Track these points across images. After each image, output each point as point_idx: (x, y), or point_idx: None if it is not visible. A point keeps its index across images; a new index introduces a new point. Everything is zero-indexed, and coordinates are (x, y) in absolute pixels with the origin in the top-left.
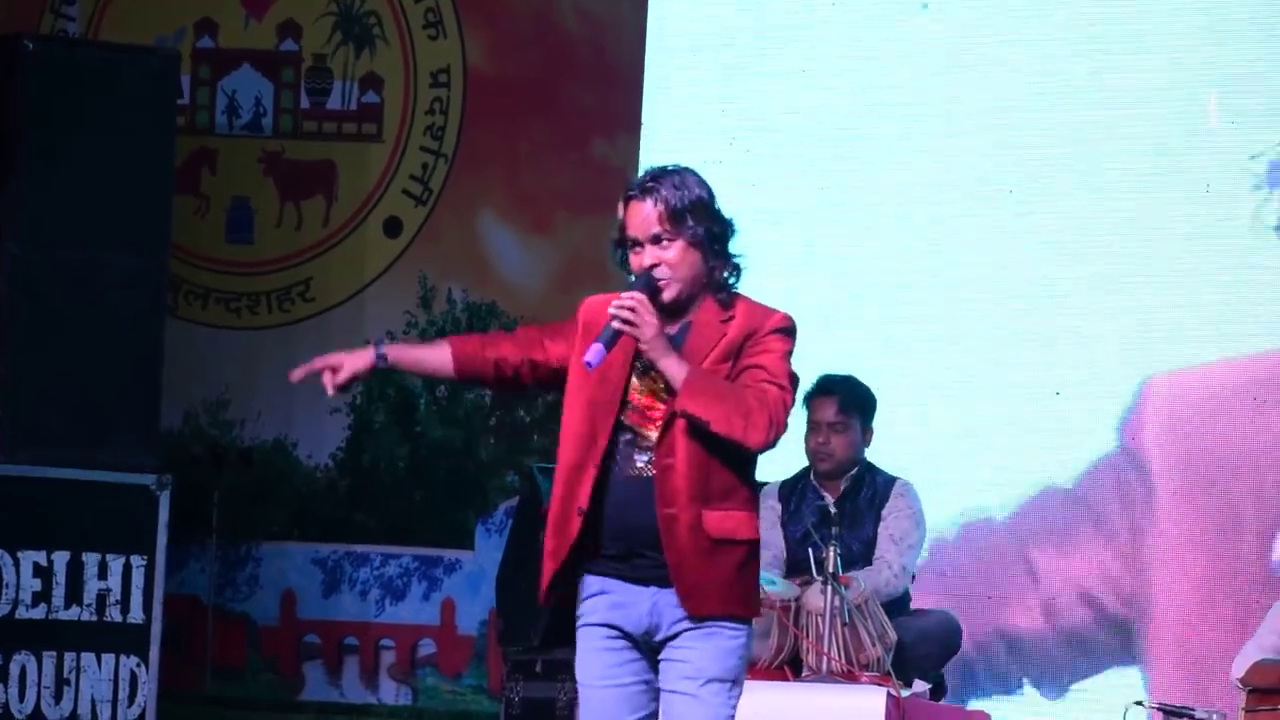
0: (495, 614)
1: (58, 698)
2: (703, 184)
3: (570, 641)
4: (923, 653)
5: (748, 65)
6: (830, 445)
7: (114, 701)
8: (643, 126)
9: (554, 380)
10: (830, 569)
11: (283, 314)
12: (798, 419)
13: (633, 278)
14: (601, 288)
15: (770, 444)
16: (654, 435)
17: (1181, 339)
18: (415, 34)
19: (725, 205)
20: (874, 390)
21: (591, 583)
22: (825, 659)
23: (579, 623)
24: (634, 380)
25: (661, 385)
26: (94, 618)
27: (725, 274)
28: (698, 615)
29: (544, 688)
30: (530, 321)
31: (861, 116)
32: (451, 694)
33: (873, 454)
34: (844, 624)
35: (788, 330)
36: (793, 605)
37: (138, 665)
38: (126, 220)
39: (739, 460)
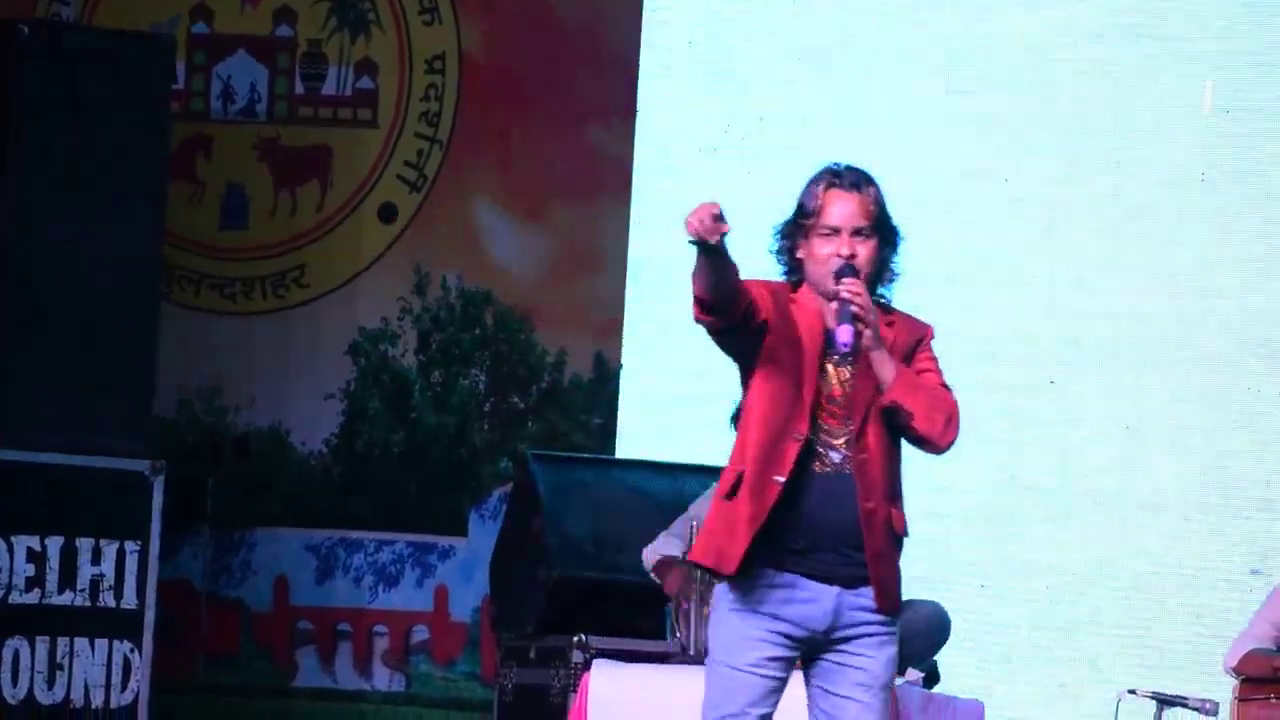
0: (489, 601)
1: (50, 683)
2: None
3: (565, 629)
4: (914, 644)
5: (743, 51)
6: None
7: (107, 687)
8: (638, 114)
9: (752, 335)
10: None
11: (277, 300)
12: None
13: (788, 267)
14: (596, 275)
15: (951, 446)
16: (843, 432)
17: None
18: (410, 20)
19: (721, 191)
20: None
21: (769, 573)
22: None
23: (737, 603)
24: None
25: (848, 380)
26: (87, 603)
27: (889, 280)
28: (888, 611)
29: (538, 674)
30: (525, 310)
31: (859, 103)
32: (445, 681)
33: None
34: None
35: (933, 341)
36: None
37: (131, 651)
38: (121, 206)
39: (901, 461)
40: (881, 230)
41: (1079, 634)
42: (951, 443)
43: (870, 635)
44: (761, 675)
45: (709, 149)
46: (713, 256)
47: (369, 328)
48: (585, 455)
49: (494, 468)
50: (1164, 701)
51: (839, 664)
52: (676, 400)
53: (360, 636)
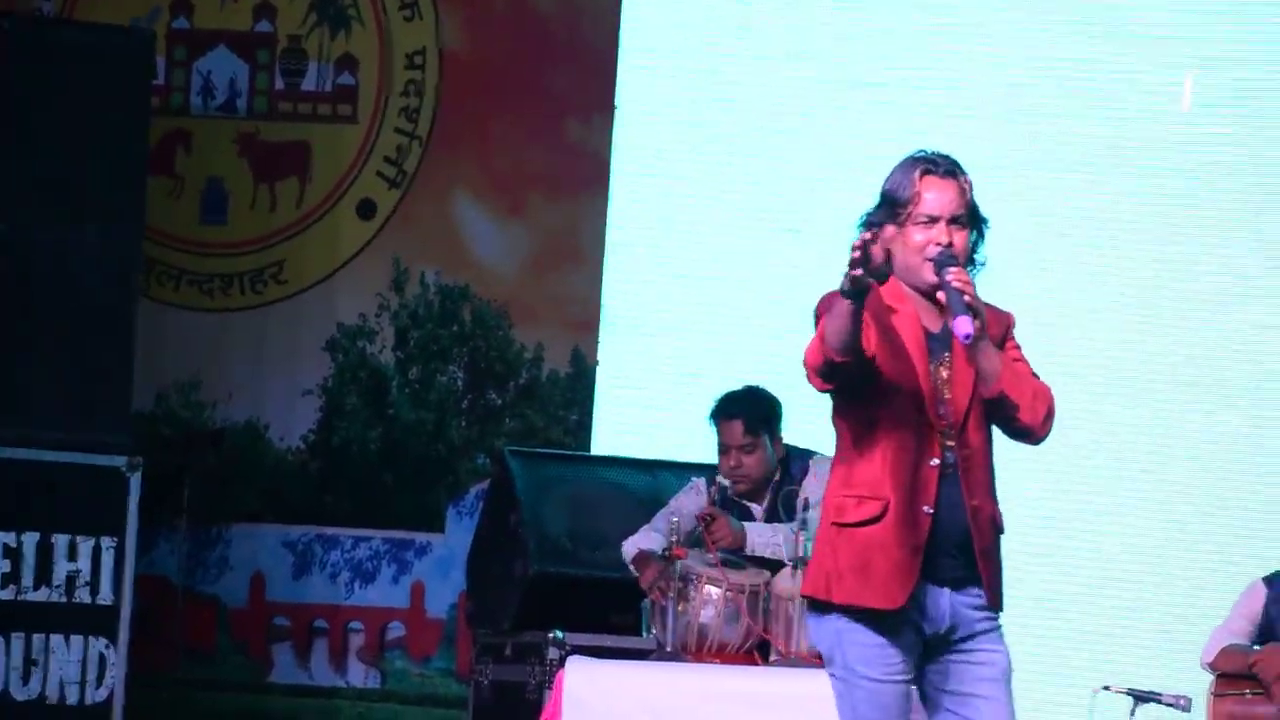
0: (465, 597)
1: (25, 679)
2: None
3: (541, 625)
4: None
5: (722, 47)
6: (743, 467)
7: (82, 683)
8: (617, 109)
9: (865, 373)
10: (799, 554)
11: (255, 296)
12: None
13: (850, 249)
14: (574, 271)
15: (1047, 437)
16: (949, 431)
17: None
18: (390, 16)
19: (699, 187)
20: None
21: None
22: (793, 643)
23: (861, 621)
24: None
25: (945, 375)
26: (63, 599)
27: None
28: (995, 607)
29: (514, 670)
30: (503, 306)
31: (836, 99)
32: (420, 677)
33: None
34: None
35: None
36: (762, 589)
37: (107, 647)
38: (100, 201)
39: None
40: (973, 219)
41: (1052, 631)
42: (1048, 433)
43: (988, 631)
44: (904, 681)
45: (686, 144)
46: (859, 312)
47: (347, 324)
48: (562, 451)
49: (471, 464)
50: (1139, 698)
51: (965, 662)
52: (654, 396)
53: (336, 632)
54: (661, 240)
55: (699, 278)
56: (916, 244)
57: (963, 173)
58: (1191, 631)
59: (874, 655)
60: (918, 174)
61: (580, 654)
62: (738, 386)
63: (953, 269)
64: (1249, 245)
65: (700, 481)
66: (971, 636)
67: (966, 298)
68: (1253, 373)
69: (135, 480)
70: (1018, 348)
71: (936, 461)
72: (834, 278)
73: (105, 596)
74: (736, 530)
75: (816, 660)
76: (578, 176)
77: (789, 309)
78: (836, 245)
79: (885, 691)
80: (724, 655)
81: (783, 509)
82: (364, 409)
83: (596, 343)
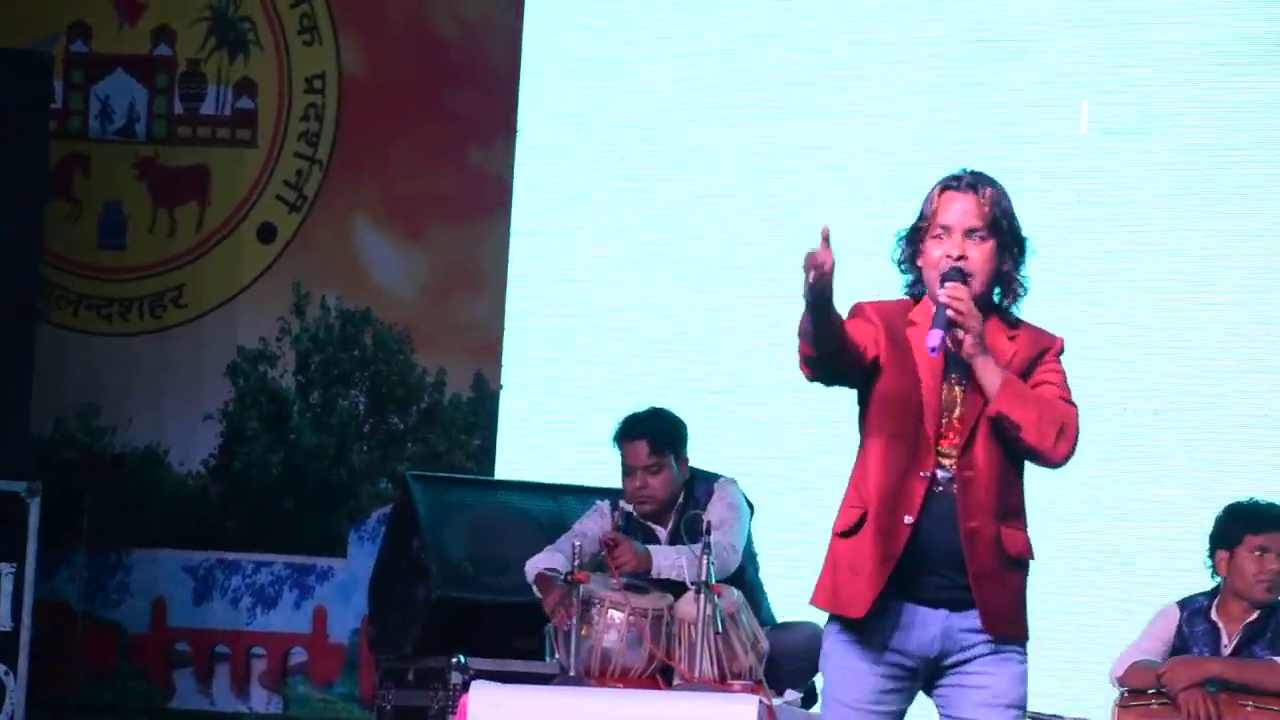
0: (367, 622)
1: None
2: (1011, 200)
3: (444, 650)
4: (790, 666)
5: (624, 70)
6: (648, 488)
7: None
8: (519, 133)
9: (865, 376)
10: (703, 577)
11: (155, 320)
12: None
13: (909, 279)
14: (476, 295)
15: (1067, 460)
16: (951, 450)
17: None
18: (290, 40)
19: (602, 210)
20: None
21: (876, 602)
22: (696, 667)
23: (846, 636)
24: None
25: (961, 394)
26: None
27: (1013, 293)
28: (998, 635)
29: (416, 695)
30: (405, 330)
31: (741, 118)
32: (323, 702)
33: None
34: (716, 632)
35: (1062, 353)
36: (665, 614)
37: (6, 673)
38: None
39: (1022, 478)
40: (1000, 234)
41: None
42: (1066, 455)
43: (987, 655)
44: (874, 711)
45: (591, 167)
46: (821, 309)
47: (248, 348)
48: (465, 476)
49: (373, 489)
50: None
51: (959, 685)
52: (556, 421)
53: (238, 658)
54: (564, 263)
55: (602, 301)
56: (933, 258)
57: (989, 187)
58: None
59: (846, 679)
60: (938, 189)
61: (483, 679)
62: (642, 408)
63: (951, 283)
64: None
65: (604, 505)
66: (968, 661)
67: (950, 312)
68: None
69: (35, 506)
70: (1056, 372)
71: (926, 474)
72: (733, 300)
73: (4, 622)
74: (641, 554)
75: (718, 684)
76: (479, 200)
77: (692, 332)
78: (737, 267)
79: (848, 715)
80: (627, 680)
81: (685, 532)
82: (265, 433)
83: (499, 367)
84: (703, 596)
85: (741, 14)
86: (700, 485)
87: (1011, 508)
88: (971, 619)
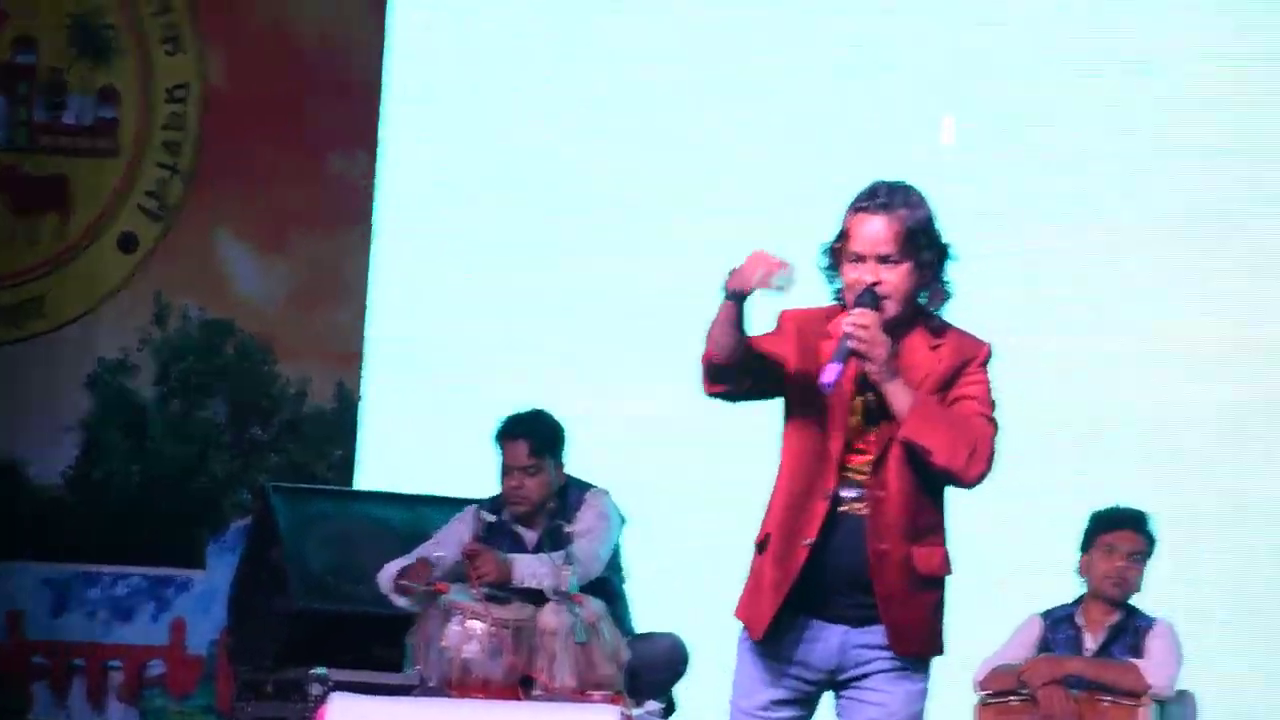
0: (226, 633)
1: None
2: (930, 205)
3: (303, 661)
4: (651, 677)
5: (489, 81)
6: (525, 489)
7: None
8: (381, 143)
9: (777, 385)
10: (564, 587)
11: (15, 330)
12: None
13: (835, 290)
14: (338, 305)
15: (982, 480)
16: (864, 468)
17: None
18: (153, 49)
19: (468, 220)
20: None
21: (782, 615)
22: (557, 677)
23: (751, 645)
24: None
25: (874, 414)
26: None
27: (940, 300)
28: (902, 655)
29: (276, 707)
30: (267, 341)
31: (604, 128)
32: (180, 715)
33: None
34: (577, 643)
35: (989, 360)
36: (526, 624)
37: None
38: None
39: (941, 494)
40: (916, 252)
41: None
42: (980, 475)
43: (884, 671)
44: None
45: (453, 179)
46: (738, 317)
47: (108, 358)
48: (325, 487)
49: (233, 499)
50: None
51: (855, 700)
52: (418, 431)
53: (94, 671)
54: (427, 274)
55: (464, 312)
56: (849, 281)
57: (902, 206)
58: None
59: (745, 687)
60: (850, 211)
61: (343, 690)
62: (524, 408)
63: (857, 311)
64: None
65: (470, 510)
66: (865, 676)
67: (851, 343)
68: None
69: None
70: (978, 383)
71: (829, 494)
72: (595, 309)
73: None
74: (502, 563)
75: (579, 695)
76: (342, 210)
77: (555, 342)
78: (600, 276)
79: None
80: (487, 690)
81: (548, 541)
82: (125, 444)
83: (361, 378)
84: (564, 607)
85: (607, 23)
86: (573, 493)
87: (926, 526)
88: (871, 635)
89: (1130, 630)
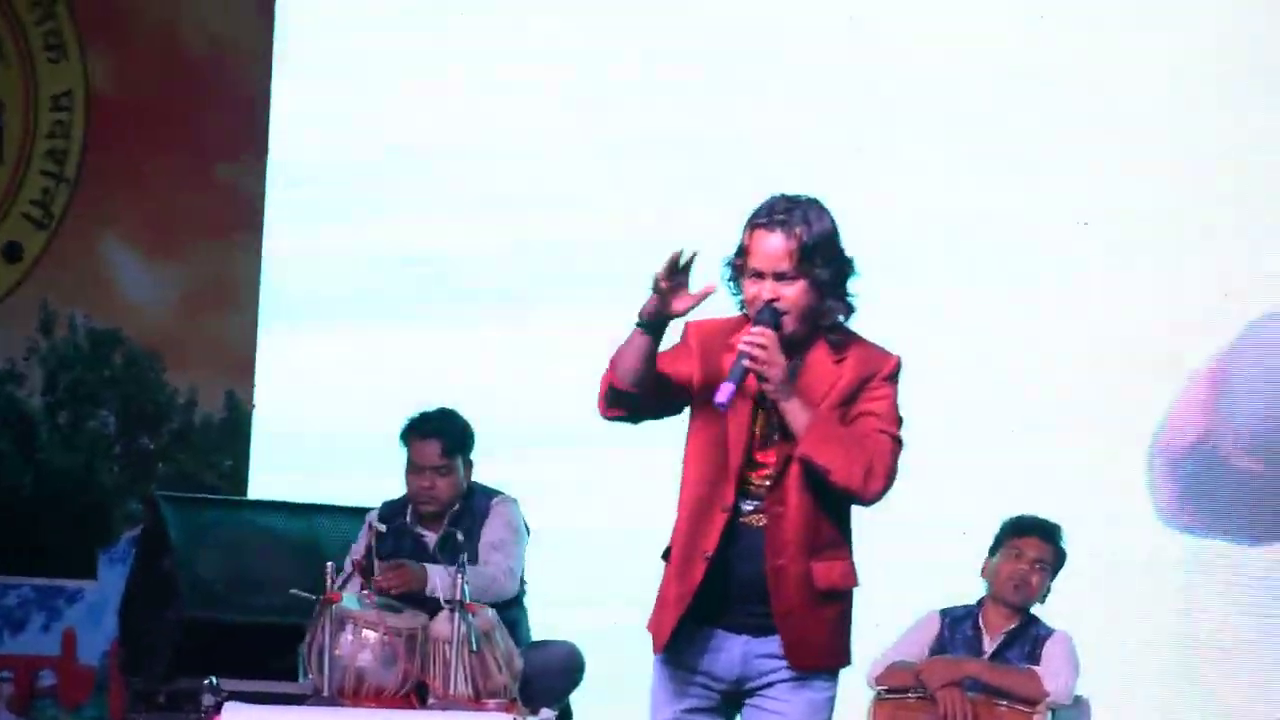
0: (118, 644)
1: None
2: (831, 219)
3: (196, 672)
4: (545, 684)
5: (376, 88)
6: (435, 489)
7: None
8: (270, 150)
9: (679, 407)
10: (457, 596)
11: None
12: None
13: (739, 301)
14: (228, 314)
15: (881, 497)
16: (764, 482)
17: None
18: (36, 56)
19: (359, 227)
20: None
21: (687, 625)
22: (451, 686)
23: (658, 657)
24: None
25: (775, 429)
26: None
27: (840, 314)
28: (800, 667)
29: (167, 718)
30: (156, 350)
31: (497, 133)
32: None
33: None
34: (471, 651)
35: (897, 375)
36: (420, 633)
37: None
38: None
39: (843, 508)
40: (814, 268)
41: None
42: (878, 492)
43: (785, 680)
44: None
45: (343, 184)
46: (650, 348)
47: None
48: (216, 496)
49: (124, 510)
50: None
51: (757, 708)
52: (310, 440)
53: None
54: (317, 281)
55: (355, 320)
56: (749, 298)
57: (800, 222)
58: None
59: (658, 697)
60: (748, 227)
61: (236, 700)
62: (432, 408)
63: (755, 330)
64: None
65: (372, 513)
66: (769, 685)
67: (746, 362)
68: None
69: None
70: (882, 398)
71: (727, 508)
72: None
73: None
74: (417, 572)
75: (473, 703)
76: (231, 218)
77: (449, 350)
78: (492, 284)
79: None
80: (381, 699)
81: (444, 546)
82: (12, 454)
83: (252, 386)
84: (457, 615)
85: (498, 32)
86: (480, 498)
87: (827, 540)
88: (772, 644)
89: (1029, 638)
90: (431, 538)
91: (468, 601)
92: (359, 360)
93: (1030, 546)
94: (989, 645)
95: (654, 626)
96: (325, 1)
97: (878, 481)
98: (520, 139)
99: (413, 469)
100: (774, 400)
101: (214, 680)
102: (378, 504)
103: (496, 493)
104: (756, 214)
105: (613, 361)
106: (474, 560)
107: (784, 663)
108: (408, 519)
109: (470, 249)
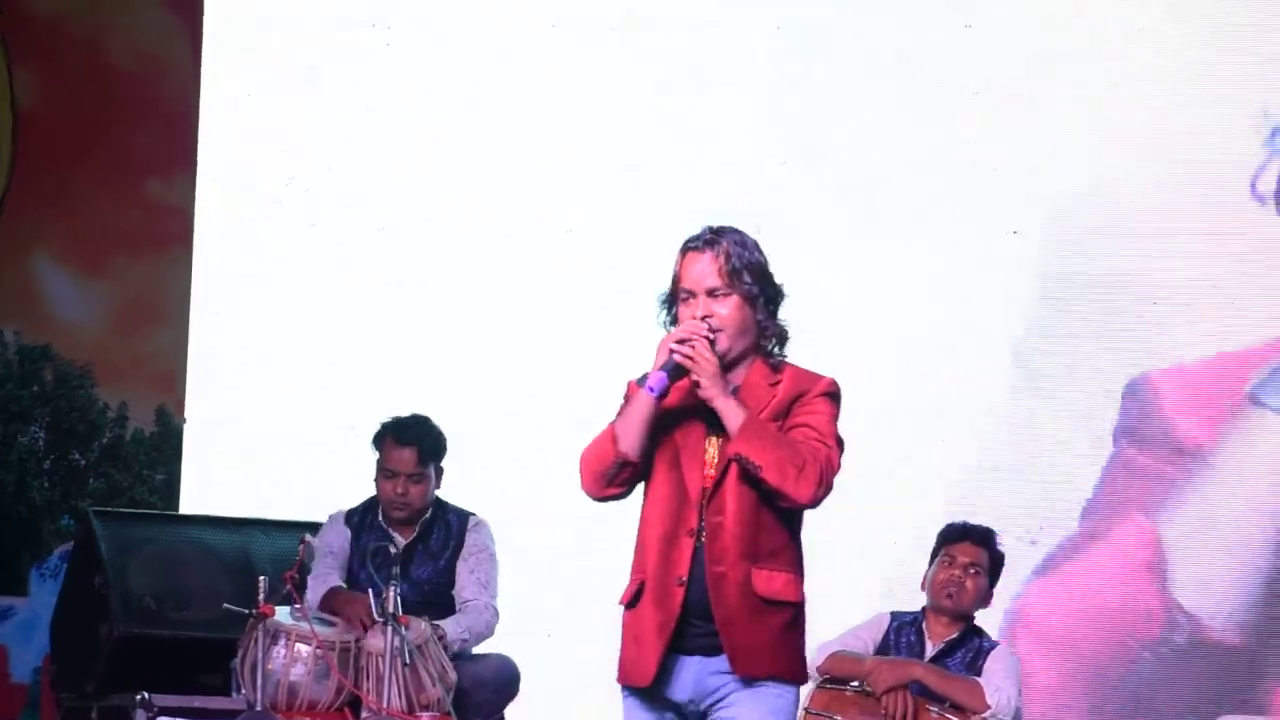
0: (50, 660)
1: None
2: (759, 248)
3: (129, 687)
4: (479, 697)
5: (305, 104)
6: (409, 495)
7: None
8: (200, 166)
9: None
10: (390, 609)
11: None
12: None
13: (665, 326)
14: (159, 329)
15: (817, 501)
16: (705, 496)
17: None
18: None
19: (288, 242)
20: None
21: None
22: (385, 699)
23: (628, 690)
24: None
25: (717, 445)
26: None
27: (773, 339)
28: (746, 676)
29: None
30: (86, 365)
31: (424, 147)
32: None
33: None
34: (404, 665)
35: (834, 395)
36: (352, 646)
37: None
38: None
39: (787, 519)
40: (743, 285)
41: None
42: (812, 497)
43: (736, 690)
44: None
45: (272, 201)
46: (653, 414)
47: None
48: (148, 511)
49: (55, 525)
50: None
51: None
52: (241, 455)
53: None
54: (248, 296)
55: (286, 334)
56: (684, 319)
57: (724, 242)
58: None
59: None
60: (680, 253)
61: (168, 715)
62: (406, 414)
63: (684, 325)
64: None
65: (340, 514)
66: (717, 703)
67: (677, 357)
68: None
69: None
70: (817, 412)
71: (692, 531)
72: (418, 331)
73: None
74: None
75: (406, 716)
76: (160, 234)
77: (377, 365)
78: (420, 299)
79: None
80: (314, 713)
81: (372, 565)
82: None
83: (183, 401)
84: (390, 629)
85: (422, 42)
86: (453, 515)
87: (768, 549)
88: (723, 662)
89: (971, 648)
90: (401, 541)
91: (400, 615)
92: (290, 374)
93: (962, 552)
94: (930, 650)
95: (631, 661)
96: (254, 16)
97: (809, 484)
98: (448, 156)
99: (386, 475)
100: (707, 398)
101: (146, 695)
102: (311, 517)
103: (469, 513)
104: (686, 241)
105: (616, 435)
106: (451, 575)
107: (732, 677)
108: (379, 518)
109: (401, 264)
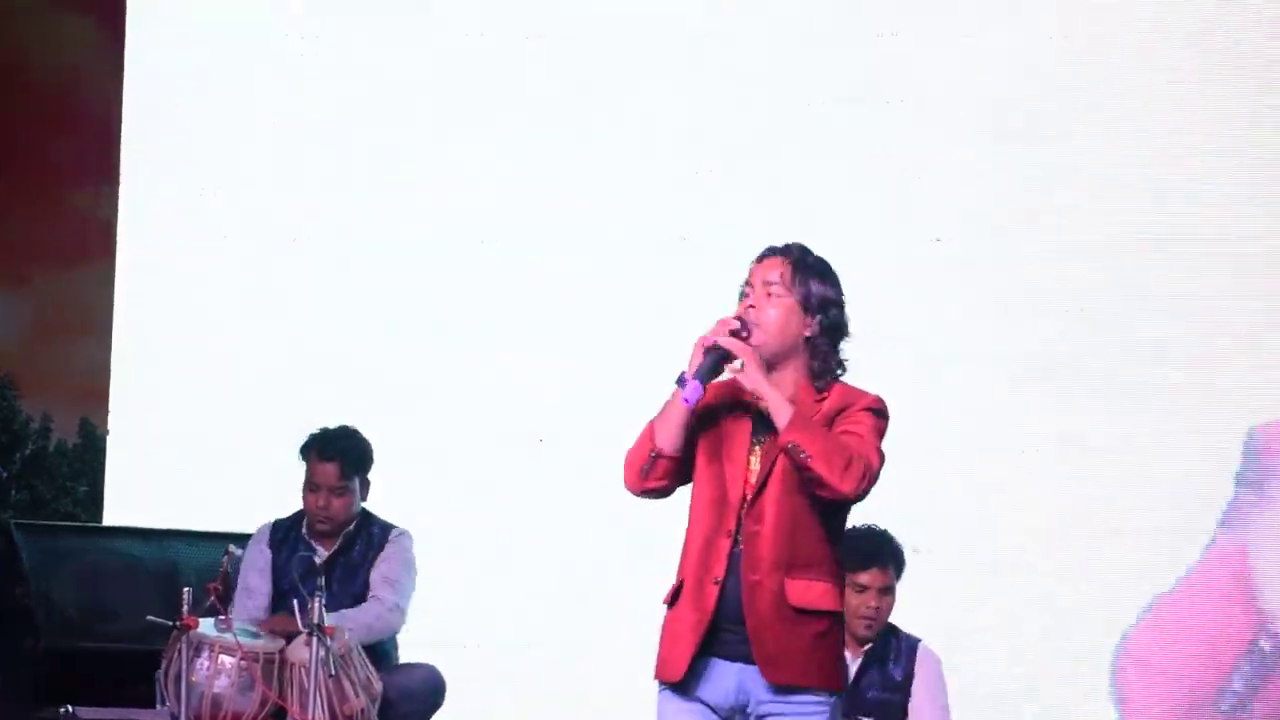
0: None
1: None
2: (837, 280)
3: (54, 701)
4: (406, 707)
5: (224, 115)
6: (330, 509)
7: None
8: (122, 177)
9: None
10: (315, 620)
11: None
12: None
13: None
14: (82, 340)
15: (860, 495)
16: (746, 502)
17: None
18: None
19: (213, 253)
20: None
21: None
22: (309, 710)
23: (665, 689)
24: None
25: (759, 454)
26: None
27: (824, 360)
28: (777, 683)
29: None
30: (7, 377)
31: (346, 159)
32: None
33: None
34: (329, 675)
35: (880, 410)
36: (276, 657)
37: None
38: None
39: (826, 529)
40: (803, 295)
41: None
42: (856, 490)
43: (777, 715)
44: None
45: (191, 211)
46: (691, 413)
47: None
48: (71, 523)
49: None
50: None
51: None
52: (165, 466)
53: None
54: (172, 307)
55: (211, 345)
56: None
57: (798, 251)
58: None
59: None
60: (756, 259)
61: None
62: (334, 426)
63: (722, 321)
64: None
65: (265, 528)
66: (766, 716)
67: (724, 341)
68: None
69: None
70: (860, 422)
71: (731, 533)
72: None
73: None
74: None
75: None
76: (83, 245)
77: (302, 376)
78: (347, 309)
79: None
80: None
81: (297, 575)
82: None
83: (107, 412)
84: (314, 639)
85: (340, 53)
86: (377, 528)
87: (804, 559)
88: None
89: (890, 648)
90: (324, 552)
91: (325, 625)
92: (214, 385)
93: (871, 579)
94: (852, 662)
95: (665, 658)
96: (177, 29)
97: (854, 477)
98: (366, 166)
99: (310, 487)
100: (751, 386)
101: (70, 709)
102: (236, 529)
103: (393, 526)
104: (766, 248)
105: (653, 431)
106: (365, 587)
107: (774, 693)
108: (303, 531)
109: (325, 275)
